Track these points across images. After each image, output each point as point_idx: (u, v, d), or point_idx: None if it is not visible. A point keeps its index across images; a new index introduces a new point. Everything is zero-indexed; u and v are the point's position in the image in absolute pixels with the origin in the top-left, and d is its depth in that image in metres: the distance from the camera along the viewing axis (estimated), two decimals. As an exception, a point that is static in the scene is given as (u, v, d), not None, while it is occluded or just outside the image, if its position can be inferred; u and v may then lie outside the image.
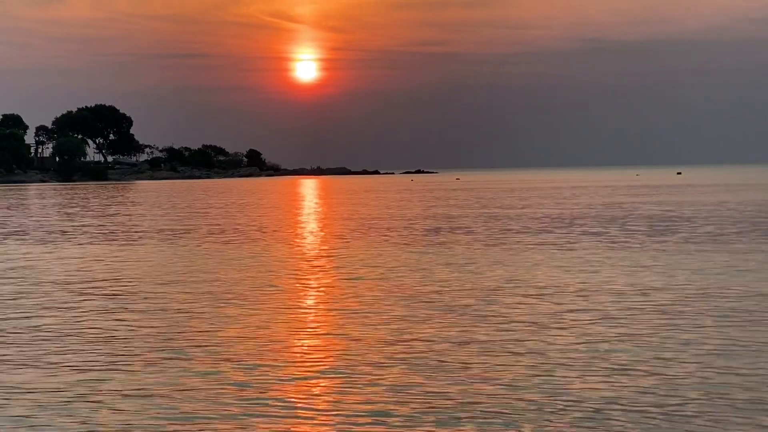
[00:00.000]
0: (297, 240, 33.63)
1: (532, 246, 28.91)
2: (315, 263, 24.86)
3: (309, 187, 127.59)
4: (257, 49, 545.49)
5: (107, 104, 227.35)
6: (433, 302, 17.37)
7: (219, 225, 42.27)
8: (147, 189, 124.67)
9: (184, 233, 36.99)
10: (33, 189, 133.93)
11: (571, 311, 16.07)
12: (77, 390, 10.97)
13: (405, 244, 30.65)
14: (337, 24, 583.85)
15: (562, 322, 14.98)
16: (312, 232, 37.73)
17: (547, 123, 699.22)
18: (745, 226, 35.44)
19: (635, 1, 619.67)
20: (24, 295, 19.43)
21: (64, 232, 39.06)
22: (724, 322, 14.91)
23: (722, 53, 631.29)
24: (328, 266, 24.04)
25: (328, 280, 21.13)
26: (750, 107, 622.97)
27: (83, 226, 43.36)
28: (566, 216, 44.65)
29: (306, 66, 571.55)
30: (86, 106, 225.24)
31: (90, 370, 12.08)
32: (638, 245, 28.48)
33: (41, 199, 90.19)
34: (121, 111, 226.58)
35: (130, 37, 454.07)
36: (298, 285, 20.47)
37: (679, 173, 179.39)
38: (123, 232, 38.67)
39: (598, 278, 20.53)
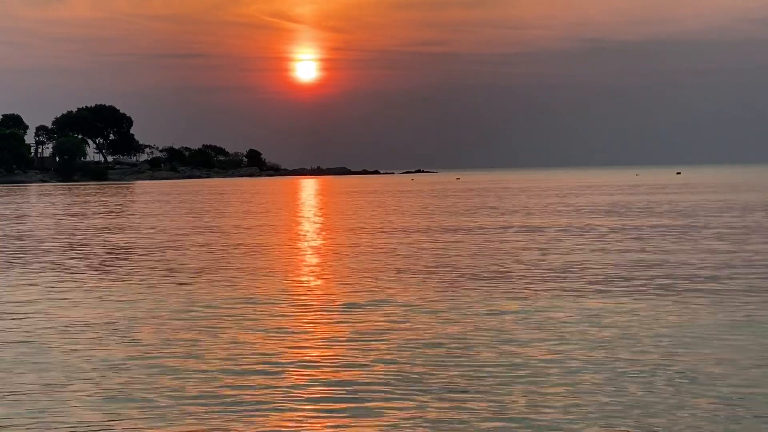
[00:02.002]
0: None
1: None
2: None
3: (316, 188, 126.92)
4: (257, 49, 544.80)
5: (107, 104, 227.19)
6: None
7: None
8: (156, 189, 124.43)
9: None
10: (33, 188, 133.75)
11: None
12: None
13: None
14: (337, 24, 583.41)
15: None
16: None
17: (547, 123, 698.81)
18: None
19: (635, 1, 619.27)
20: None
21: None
22: None
23: (722, 53, 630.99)
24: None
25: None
26: (750, 107, 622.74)
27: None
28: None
29: (306, 66, 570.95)
30: (86, 106, 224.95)
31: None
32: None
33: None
34: (121, 111, 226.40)
35: (130, 37, 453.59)
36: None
37: (678, 173, 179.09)
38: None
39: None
